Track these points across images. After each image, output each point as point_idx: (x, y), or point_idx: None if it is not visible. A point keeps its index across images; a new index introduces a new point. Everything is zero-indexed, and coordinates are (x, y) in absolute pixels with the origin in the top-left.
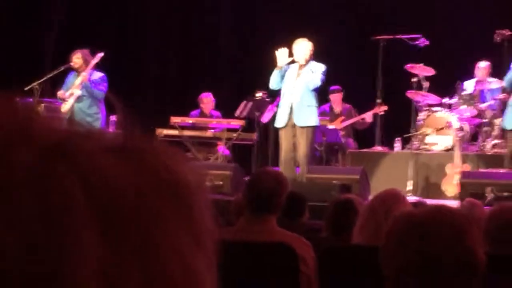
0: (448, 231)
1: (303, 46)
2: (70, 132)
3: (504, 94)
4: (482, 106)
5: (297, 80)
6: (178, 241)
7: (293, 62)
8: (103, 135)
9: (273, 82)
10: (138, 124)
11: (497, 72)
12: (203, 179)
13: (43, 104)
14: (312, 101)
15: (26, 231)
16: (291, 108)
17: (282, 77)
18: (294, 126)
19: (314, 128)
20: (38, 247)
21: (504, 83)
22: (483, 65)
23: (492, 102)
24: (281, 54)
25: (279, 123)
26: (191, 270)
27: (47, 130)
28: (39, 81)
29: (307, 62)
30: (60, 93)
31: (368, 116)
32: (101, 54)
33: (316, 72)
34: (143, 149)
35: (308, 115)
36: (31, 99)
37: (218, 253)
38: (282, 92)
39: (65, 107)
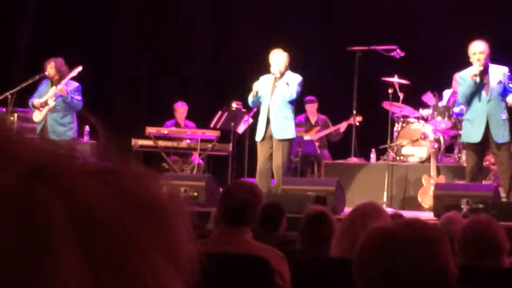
0: (420, 246)
1: (278, 58)
2: (52, 155)
3: None
4: (455, 110)
5: (273, 93)
6: (155, 262)
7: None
8: (83, 158)
9: (251, 103)
10: (116, 146)
11: None
12: (181, 201)
13: (16, 114)
14: (288, 113)
15: (6, 251)
16: (268, 121)
17: (259, 97)
18: (271, 137)
19: (291, 140)
20: (19, 267)
21: (459, 99)
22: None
23: (458, 109)
24: (258, 84)
25: (257, 137)
26: None
27: (29, 152)
28: (13, 90)
29: (282, 74)
30: (35, 102)
31: (342, 127)
32: (79, 69)
33: (292, 84)
34: (121, 172)
35: (285, 127)
36: (4, 109)
37: (196, 274)
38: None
39: (38, 117)
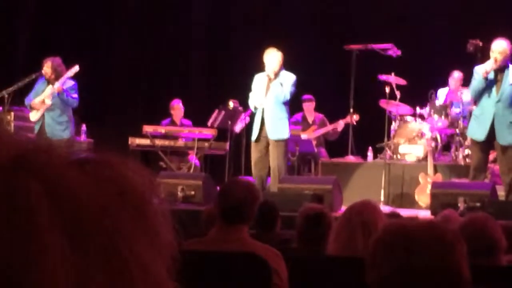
0: (436, 246)
1: (272, 58)
2: (32, 145)
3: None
4: (453, 112)
5: (267, 94)
6: (137, 246)
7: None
8: (63, 149)
9: (253, 109)
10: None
11: (470, 82)
12: (157, 188)
13: (12, 113)
14: (283, 113)
15: None
16: (263, 121)
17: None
18: (266, 137)
19: (286, 140)
20: (5, 250)
21: (469, 93)
22: (456, 76)
23: (458, 110)
24: (253, 100)
25: (252, 137)
26: (150, 274)
27: (10, 142)
28: (9, 89)
29: (277, 74)
30: (32, 103)
31: (339, 126)
32: (76, 68)
33: (285, 84)
34: (100, 162)
35: (280, 128)
36: (0, 108)
37: (176, 259)
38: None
39: (35, 116)
